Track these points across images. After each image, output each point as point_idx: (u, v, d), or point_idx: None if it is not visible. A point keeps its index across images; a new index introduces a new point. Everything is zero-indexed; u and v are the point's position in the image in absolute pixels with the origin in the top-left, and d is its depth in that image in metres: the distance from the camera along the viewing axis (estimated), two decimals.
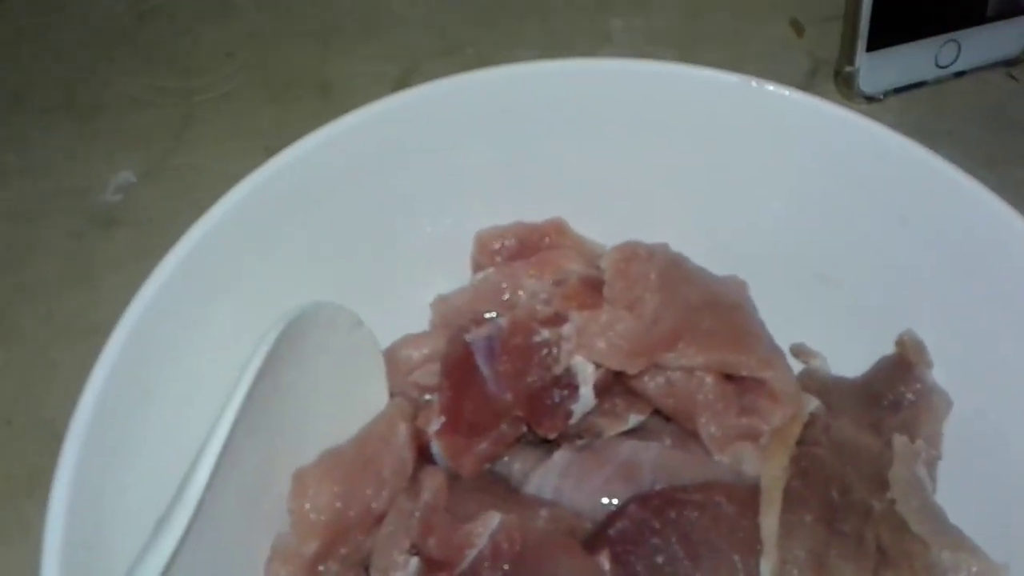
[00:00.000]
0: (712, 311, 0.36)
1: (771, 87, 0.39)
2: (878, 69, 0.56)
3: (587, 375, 0.35)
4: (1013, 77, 0.59)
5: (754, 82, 0.40)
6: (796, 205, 0.40)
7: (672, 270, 0.37)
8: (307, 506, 0.34)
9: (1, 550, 0.41)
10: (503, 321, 0.36)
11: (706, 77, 0.40)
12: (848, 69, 0.56)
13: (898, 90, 0.57)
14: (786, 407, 0.35)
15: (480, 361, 0.35)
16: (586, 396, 0.35)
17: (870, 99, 0.57)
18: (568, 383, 0.35)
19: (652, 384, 0.36)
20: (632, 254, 0.37)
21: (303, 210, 0.39)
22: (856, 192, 0.38)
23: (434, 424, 0.35)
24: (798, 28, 0.61)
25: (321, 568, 0.35)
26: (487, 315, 0.41)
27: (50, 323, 0.47)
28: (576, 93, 0.42)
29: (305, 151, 0.38)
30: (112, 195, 0.52)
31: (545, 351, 0.35)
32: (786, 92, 0.39)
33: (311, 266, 0.39)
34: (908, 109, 0.57)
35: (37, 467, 0.43)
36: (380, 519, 0.35)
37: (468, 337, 0.36)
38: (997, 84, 0.59)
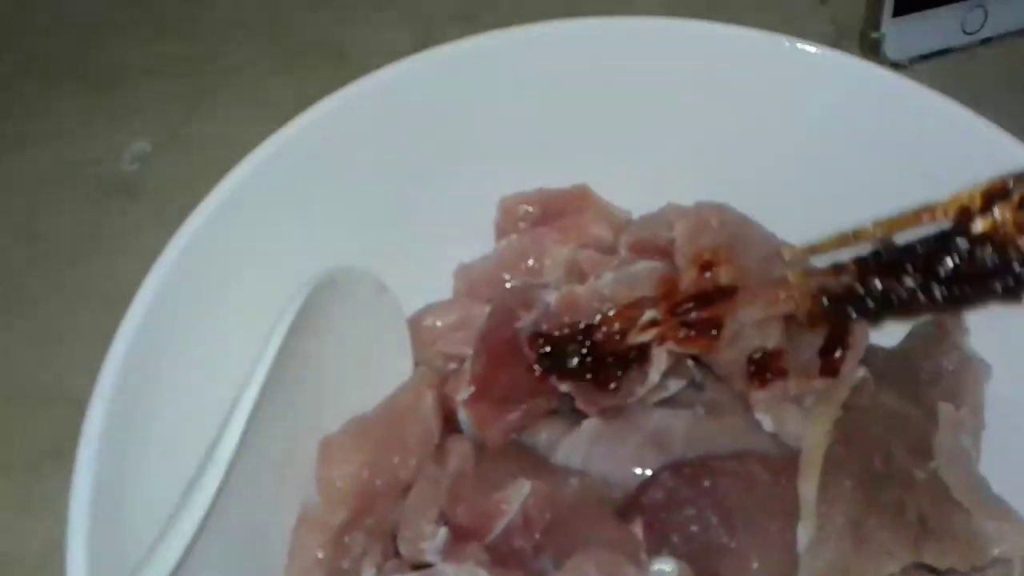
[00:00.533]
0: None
1: (806, 46, 0.38)
2: (904, 35, 0.55)
3: (661, 361, 0.35)
4: None
5: (787, 41, 0.39)
6: (829, 166, 0.39)
7: (742, 232, 0.37)
8: (335, 474, 0.34)
9: (26, 521, 0.40)
10: (551, 299, 0.35)
11: (737, 34, 0.39)
12: (874, 35, 0.55)
13: (924, 57, 0.56)
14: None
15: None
16: (653, 379, 0.35)
17: (896, 65, 0.55)
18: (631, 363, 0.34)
19: None
20: (703, 224, 0.36)
21: (324, 174, 0.38)
22: (892, 152, 0.38)
23: (462, 393, 0.35)
24: None
25: (346, 539, 0.34)
26: (510, 282, 0.41)
27: (67, 292, 0.47)
28: (600, 54, 0.41)
29: (325, 113, 0.37)
30: (128, 164, 0.52)
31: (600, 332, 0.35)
32: (818, 51, 0.38)
33: (333, 231, 0.39)
34: (935, 76, 0.56)
35: (60, 437, 0.42)
36: (407, 488, 0.35)
37: (517, 325, 0.35)
38: None
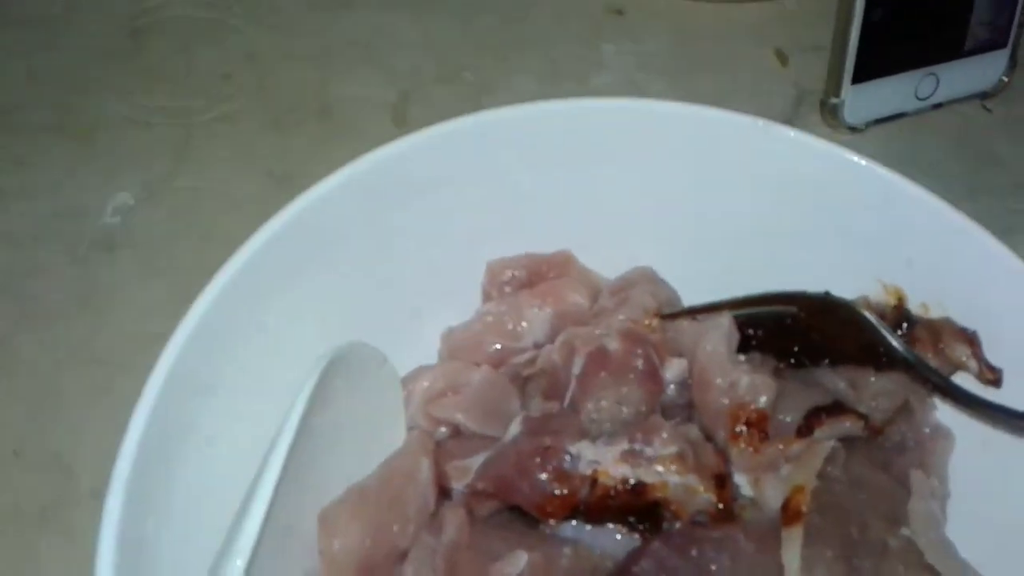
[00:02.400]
0: None
1: (780, 129, 0.41)
2: (862, 101, 0.58)
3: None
4: (987, 109, 0.62)
5: (761, 122, 0.41)
6: (799, 245, 0.42)
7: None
8: (336, 546, 0.34)
9: None
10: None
11: (714, 117, 0.42)
12: (834, 101, 0.58)
13: (879, 120, 0.59)
14: None
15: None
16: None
17: (853, 129, 0.59)
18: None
19: None
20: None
21: (320, 249, 0.39)
22: (861, 235, 0.40)
23: (461, 479, 0.36)
24: (782, 57, 0.63)
25: None
26: (492, 346, 0.42)
27: (54, 351, 0.47)
28: (583, 130, 0.43)
29: (325, 193, 0.39)
30: (111, 217, 0.52)
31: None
32: (792, 134, 0.41)
33: (329, 301, 0.40)
34: (889, 139, 0.59)
35: (47, 500, 0.43)
36: (404, 556, 0.36)
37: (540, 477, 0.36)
38: (972, 116, 0.61)
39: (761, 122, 0.41)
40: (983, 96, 0.61)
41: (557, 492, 0.35)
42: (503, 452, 0.36)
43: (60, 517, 0.42)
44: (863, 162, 0.40)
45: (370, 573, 0.35)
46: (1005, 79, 0.61)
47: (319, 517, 0.35)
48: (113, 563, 0.28)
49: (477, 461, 0.37)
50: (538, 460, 0.35)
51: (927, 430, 0.38)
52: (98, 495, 0.42)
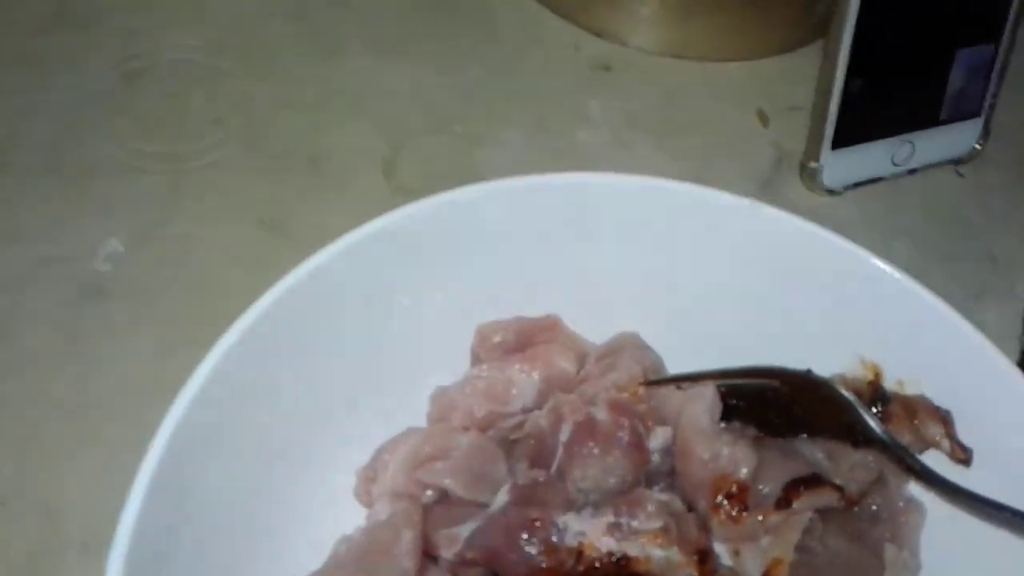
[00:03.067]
0: None
1: (767, 209, 0.42)
2: (840, 166, 0.59)
3: None
4: (960, 174, 0.64)
5: (747, 202, 0.43)
6: (781, 317, 0.43)
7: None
8: None
9: None
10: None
11: (703, 196, 0.43)
12: (813, 165, 0.59)
13: (856, 184, 0.61)
14: None
15: None
16: None
17: (831, 192, 0.60)
18: None
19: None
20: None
21: (320, 312, 0.40)
22: (841, 311, 0.42)
23: (450, 548, 0.37)
24: (764, 118, 0.65)
25: None
26: (480, 409, 0.43)
27: (43, 398, 0.47)
28: (575, 203, 0.44)
29: (327, 259, 0.39)
30: (102, 264, 0.52)
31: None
32: (777, 214, 0.42)
33: (327, 363, 0.41)
34: (865, 203, 0.61)
35: (35, 551, 0.43)
36: None
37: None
38: (946, 181, 0.63)
39: (747, 201, 0.42)
40: (956, 162, 0.63)
41: (545, 565, 0.36)
42: (492, 523, 0.37)
43: (47, 568, 0.42)
44: (845, 244, 0.41)
45: None
46: (978, 147, 0.63)
47: None
48: None
49: (466, 530, 0.37)
50: (526, 533, 0.36)
51: (900, 503, 0.39)
52: (87, 547, 0.43)
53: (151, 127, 0.59)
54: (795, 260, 0.42)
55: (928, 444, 0.40)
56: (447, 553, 0.37)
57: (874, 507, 0.40)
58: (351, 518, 0.41)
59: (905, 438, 0.39)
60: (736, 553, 0.39)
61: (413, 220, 0.42)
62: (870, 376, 0.42)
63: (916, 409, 0.40)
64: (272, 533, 0.39)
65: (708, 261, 0.44)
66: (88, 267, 0.52)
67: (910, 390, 0.41)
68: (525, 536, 0.36)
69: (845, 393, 0.39)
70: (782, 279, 0.43)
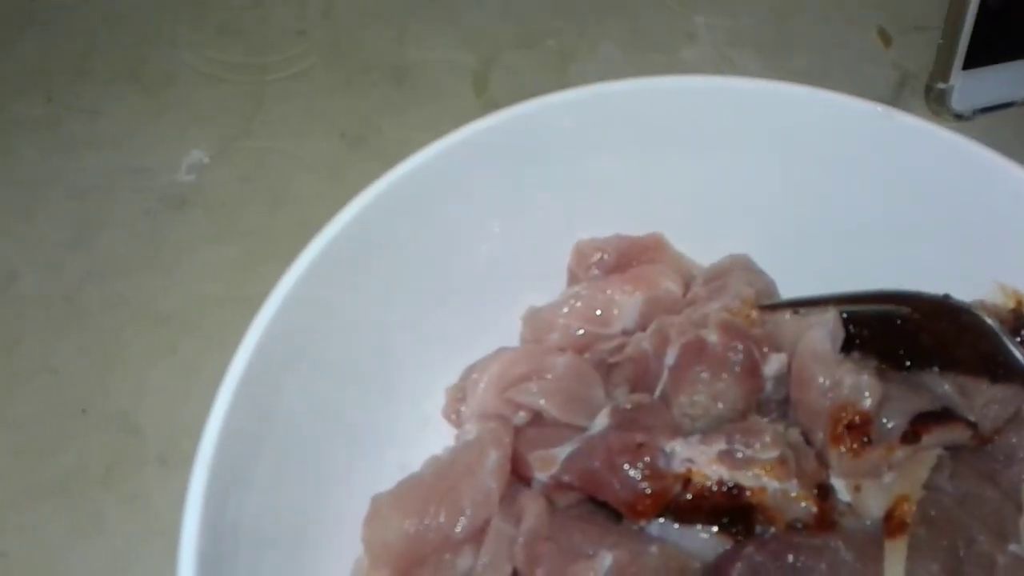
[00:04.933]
0: None
1: (902, 116, 0.38)
2: (971, 88, 0.54)
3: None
4: None
5: (880, 108, 0.38)
6: (910, 241, 0.39)
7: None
8: (377, 536, 0.34)
9: (78, 542, 0.40)
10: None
11: (828, 100, 0.39)
12: (941, 86, 0.54)
13: (985, 109, 0.56)
14: None
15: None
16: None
17: (959, 116, 0.55)
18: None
19: None
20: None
21: (410, 222, 0.38)
22: (981, 233, 0.38)
23: (545, 470, 0.34)
24: (885, 37, 0.60)
25: None
26: (577, 330, 0.40)
27: (122, 308, 0.46)
28: (682, 110, 0.41)
29: (420, 164, 0.37)
30: (185, 175, 0.51)
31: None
32: (914, 122, 0.38)
33: (416, 277, 0.39)
34: (995, 129, 0.56)
35: (113, 459, 0.42)
36: (467, 541, 0.35)
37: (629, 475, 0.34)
38: None
39: (880, 108, 0.38)
40: None
41: (648, 490, 0.33)
42: (592, 445, 0.34)
43: (125, 479, 0.41)
44: (991, 155, 0.37)
45: (417, 563, 0.34)
46: None
47: (370, 503, 0.34)
48: (196, 539, 0.27)
49: (562, 452, 0.35)
50: (630, 457, 0.33)
51: None
52: (164, 459, 0.42)
53: (231, 37, 0.57)
54: (930, 175, 0.38)
55: None
56: (542, 475, 0.35)
57: (1009, 446, 0.36)
58: (443, 440, 0.39)
59: None
60: (857, 489, 0.35)
61: (504, 129, 0.39)
62: (1011, 304, 0.37)
63: None
64: (359, 452, 0.37)
65: (831, 175, 0.40)
66: (171, 177, 0.51)
67: None
68: (628, 460, 0.33)
69: (988, 319, 0.35)
70: (914, 195, 0.39)
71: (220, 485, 0.28)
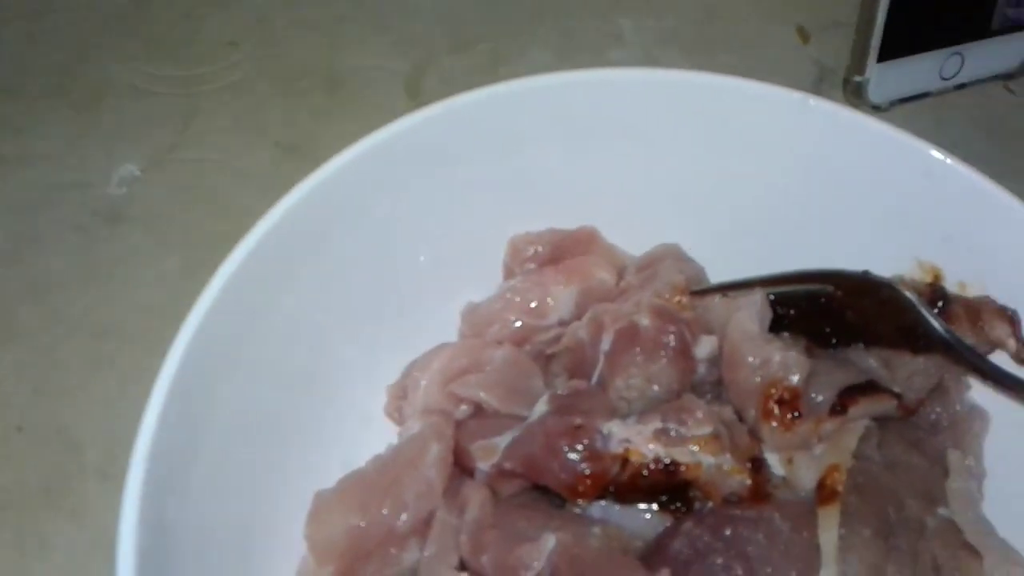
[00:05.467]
0: None
1: (818, 102, 0.39)
2: (886, 80, 0.56)
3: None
4: (1010, 90, 0.60)
5: (797, 95, 0.40)
6: (830, 221, 0.41)
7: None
8: (321, 532, 0.34)
9: (19, 561, 0.39)
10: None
11: (748, 89, 0.40)
12: (858, 79, 0.56)
13: (902, 100, 0.58)
14: None
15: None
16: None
17: (876, 108, 0.57)
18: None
19: None
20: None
21: (338, 223, 0.38)
22: (897, 211, 0.39)
23: (486, 459, 0.35)
24: (804, 35, 0.62)
25: None
26: (515, 323, 0.41)
27: (58, 322, 0.46)
28: (607, 103, 0.41)
29: (344, 164, 0.38)
30: (116, 188, 0.50)
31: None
32: (830, 107, 0.40)
33: (347, 277, 0.39)
34: (912, 119, 0.58)
35: (52, 476, 0.41)
36: (411, 534, 0.35)
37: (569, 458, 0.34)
38: (995, 96, 0.60)
39: (797, 95, 0.40)
40: (1007, 77, 0.60)
41: (588, 471, 0.34)
42: (531, 431, 0.35)
43: (66, 495, 0.41)
44: (903, 136, 0.38)
45: (362, 558, 0.34)
46: None
47: (312, 500, 0.35)
48: (135, 547, 0.27)
49: (503, 441, 0.35)
50: (568, 439, 0.34)
51: (961, 409, 0.37)
52: (105, 473, 0.41)
53: (163, 50, 0.56)
54: (847, 156, 0.40)
55: (993, 345, 0.37)
56: (484, 465, 0.35)
57: (933, 415, 0.38)
58: (386, 438, 0.39)
59: (968, 340, 0.37)
60: (789, 462, 0.37)
61: (432, 124, 0.39)
62: (929, 278, 0.39)
63: (980, 310, 0.37)
64: (303, 453, 0.37)
65: (754, 162, 0.41)
66: (103, 191, 0.50)
67: (973, 292, 0.38)
68: (567, 443, 0.34)
69: (907, 293, 0.36)
70: (833, 178, 0.40)
71: (156, 489, 0.28)
